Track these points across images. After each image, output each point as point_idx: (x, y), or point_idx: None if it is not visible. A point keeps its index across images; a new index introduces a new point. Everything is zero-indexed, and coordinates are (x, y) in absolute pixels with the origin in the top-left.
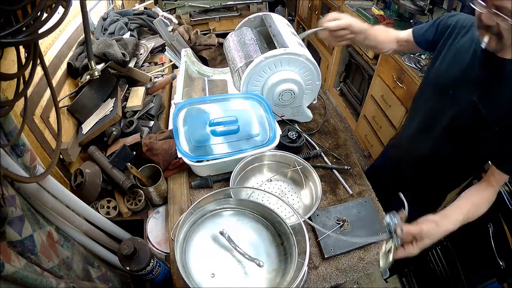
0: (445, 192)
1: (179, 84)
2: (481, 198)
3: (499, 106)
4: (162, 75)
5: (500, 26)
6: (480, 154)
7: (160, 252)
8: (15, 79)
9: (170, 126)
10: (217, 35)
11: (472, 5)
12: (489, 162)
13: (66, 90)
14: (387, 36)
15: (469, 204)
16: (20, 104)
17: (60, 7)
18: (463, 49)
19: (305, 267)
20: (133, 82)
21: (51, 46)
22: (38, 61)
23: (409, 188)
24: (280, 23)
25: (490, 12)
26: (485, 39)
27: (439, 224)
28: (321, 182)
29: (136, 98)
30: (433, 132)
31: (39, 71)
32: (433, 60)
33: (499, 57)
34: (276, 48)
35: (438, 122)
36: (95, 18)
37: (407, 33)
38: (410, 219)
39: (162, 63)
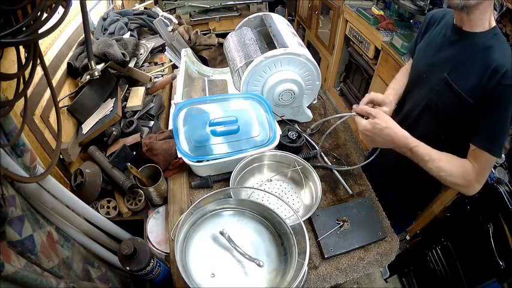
0: (432, 190)
1: (179, 84)
2: (452, 157)
3: (470, 78)
4: (162, 75)
5: None
6: (460, 140)
7: (160, 252)
8: (15, 79)
9: (170, 126)
10: (217, 35)
11: None
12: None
13: (66, 90)
14: (404, 76)
15: (436, 151)
16: (20, 104)
17: (60, 7)
18: (435, 37)
19: (305, 267)
20: (134, 82)
21: (51, 46)
22: (38, 61)
23: (396, 182)
24: (280, 23)
25: None
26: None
27: (396, 124)
28: (321, 182)
29: (136, 98)
30: (411, 119)
31: (39, 71)
32: (415, 55)
33: (466, 32)
34: (276, 48)
35: (415, 108)
36: (95, 18)
37: (409, 61)
38: (401, 217)
39: (162, 63)
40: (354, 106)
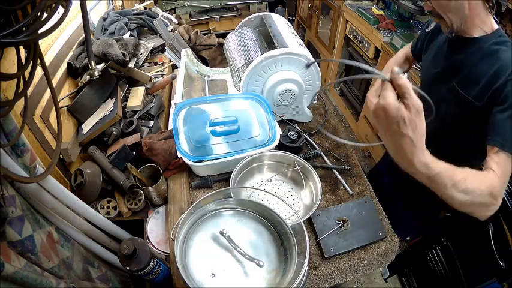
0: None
1: (179, 84)
2: (474, 171)
3: (478, 83)
4: (162, 75)
5: (433, 6)
6: (468, 150)
7: (160, 252)
8: (15, 79)
9: (170, 126)
10: (217, 35)
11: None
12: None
13: (66, 90)
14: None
15: (458, 170)
16: (20, 104)
17: (60, 7)
18: (440, 45)
19: (305, 267)
20: (134, 82)
21: (51, 46)
22: (38, 61)
23: (409, 192)
24: (280, 23)
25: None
26: (432, 25)
27: (424, 142)
28: (321, 182)
29: (136, 98)
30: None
31: (39, 71)
32: (422, 64)
33: (469, 39)
34: (276, 48)
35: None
36: (95, 18)
37: (407, 46)
38: (411, 224)
39: (162, 63)
40: (396, 69)
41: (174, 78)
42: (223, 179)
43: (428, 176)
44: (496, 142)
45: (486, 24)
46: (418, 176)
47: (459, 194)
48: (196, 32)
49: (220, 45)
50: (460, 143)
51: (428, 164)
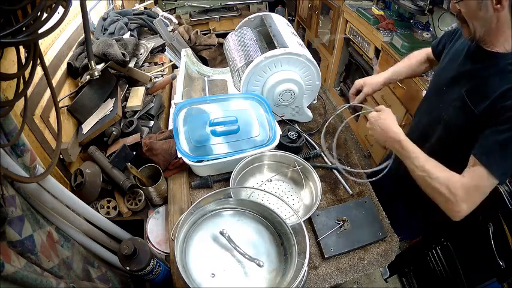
0: None
1: (179, 84)
2: (441, 165)
3: (483, 96)
4: (162, 75)
5: (461, 10)
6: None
7: (160, 252)
8: (15, 79)
9: (170, 126)
10: (217, 35)
11: None
12: None
13: (66, 90)
14: (418, 59)
15: (426, 155)
16: (20, 104)
17: (60, 7)
18: (458, 49)
19: (305, 267)
20: (134, 82)
21: (51, 46)
22: (38, 61)
23: (409, 192)
24: (280, 23)
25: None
26: (454, 26)
27: (394, 122)
28: (321, 182)
29: (136, 98)
30: (425, 130)
31: (39, 71)
32: (438, 65)
33: (489, 51)
34: (276, 48)
35: (433, 121)
36: (95, 18)
37: (423, 50)
38: (411, 224)
39: (162, 63)
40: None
41: (174, 78)
42: (223, 179)
43: (398, 140)
44: (477, 155)
45: (508, 42)
46: (393, 146)
47: (420, 167)
48: (196, 32)
49: (220, 45)
50: (465, 151)
51: (399, 133)
